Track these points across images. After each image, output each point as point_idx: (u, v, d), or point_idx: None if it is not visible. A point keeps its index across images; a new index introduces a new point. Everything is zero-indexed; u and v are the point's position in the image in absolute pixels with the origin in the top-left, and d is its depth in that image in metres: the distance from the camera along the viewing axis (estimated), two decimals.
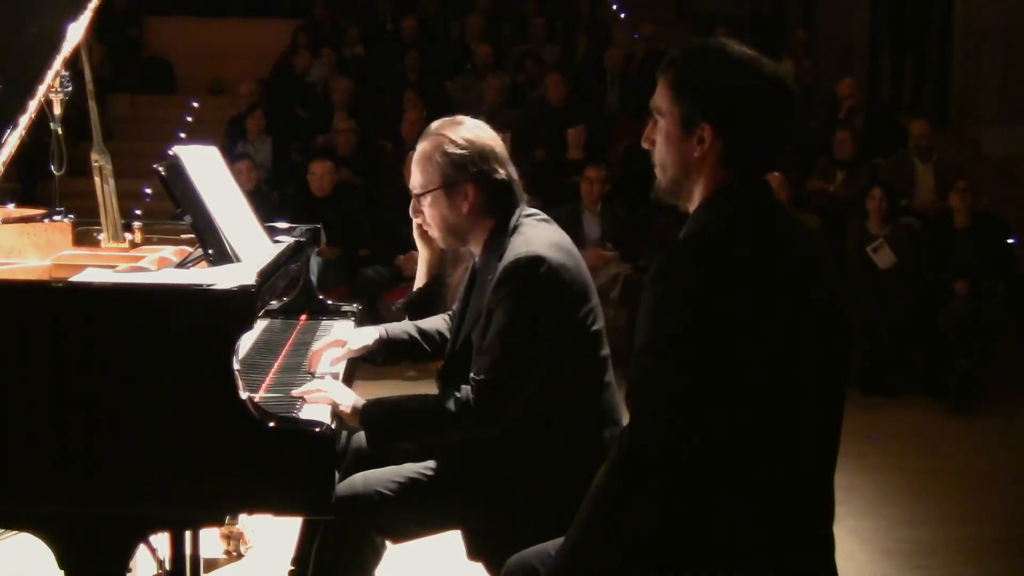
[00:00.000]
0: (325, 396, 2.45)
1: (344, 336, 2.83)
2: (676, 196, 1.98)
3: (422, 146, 2.58)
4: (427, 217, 2.60)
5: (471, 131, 2.56)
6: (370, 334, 2.83)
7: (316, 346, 2.80)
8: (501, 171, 2.55)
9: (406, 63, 9.95)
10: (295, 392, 2.48)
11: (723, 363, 1.76)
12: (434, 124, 2.61)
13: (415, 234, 2.79)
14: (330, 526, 2.50)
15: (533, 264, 2.39)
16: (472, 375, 2.40)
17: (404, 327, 2.86)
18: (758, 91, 1.88)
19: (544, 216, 2.58)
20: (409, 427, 2.48)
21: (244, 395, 2.16)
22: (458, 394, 2.39)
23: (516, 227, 2.51)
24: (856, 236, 6.88)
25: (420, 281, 2.90)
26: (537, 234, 2.49)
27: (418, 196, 2.58)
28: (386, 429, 2.47)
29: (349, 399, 2.46)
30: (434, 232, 2.62)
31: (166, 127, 9.92)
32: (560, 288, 2.41)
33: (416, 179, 2.58)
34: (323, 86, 9.74)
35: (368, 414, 2.45)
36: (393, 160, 7.51)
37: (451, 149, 2.52)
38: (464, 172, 2.51)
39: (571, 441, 2.45)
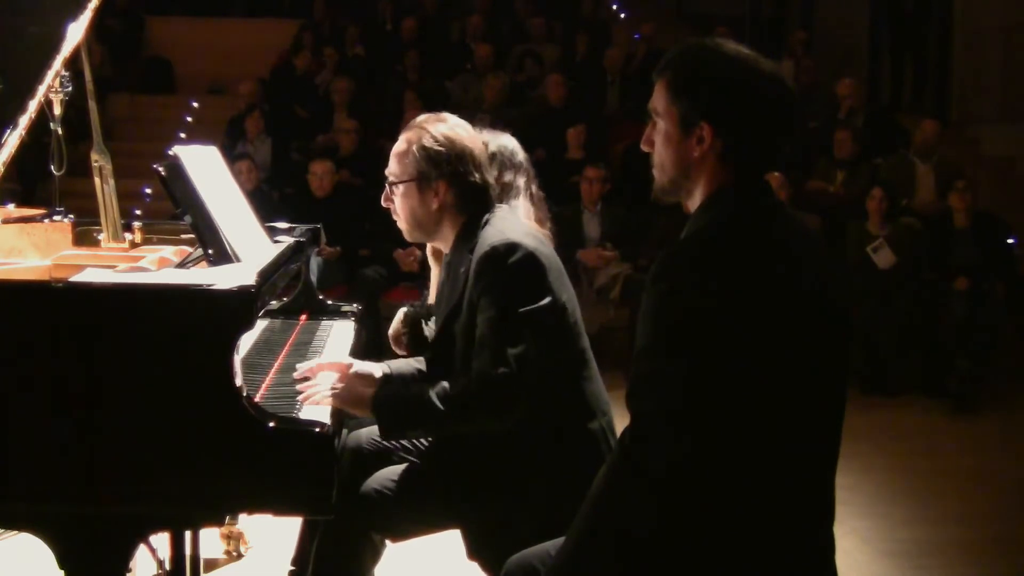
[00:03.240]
0: (331, 398, 2.44)
1: (348, 362, 2.78)
2: (676, 196, 1.98)
3: (403, 136, 2.59)
4: (396, 207, 2.61)
5: (452, 129, 2.57)
6: (373, 370, 2.75)
7: (321, 360, 2.72)
8: (476, 174, 2.55)
9: (406, 63, 9.96)
10: (302, 397, 2.45)
11: (724, 364, 1.76)
12: (419, 117, 2.62)
13: (428, 252, 2.80)
14: (329, 525, 2.50)
15: (509, 250, 2.40)
16: (476, 370, 2.39)
17: (410, 363, 2.80)
18: (756, 89, 1.88)
19: (509, 208, 2.61)
20: (421, 421, 2.44)
21: (244, 395, 2.16)
22: (470, 387, 2.37)
23: (487, 221, 2.52)
24: (856, 236, 6.87)
25: (433, 298, 2.92)
26: (508, 224, 2.51)
27: (391, 185, 2.59)
28: (399, 424, 2.45)
29: (358, 394, 2.45)
30: (401, 223, 2.63)
31: (166, 127, 9.92)
32: (539, 272, 2.42)
33: (392, 167, 2.59)
34: (324, 86, 9.75)
35: (377, 408, 2.43)
36: None
37: (428, 144, 2.53)
38: (437, 169, 2.52)
39: (558, 435, 2.46)
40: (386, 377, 2.69)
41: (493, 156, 2.94)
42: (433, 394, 2.39)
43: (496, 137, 3.02)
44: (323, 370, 2.58)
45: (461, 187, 2.53)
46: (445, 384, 2.40)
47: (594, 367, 2.55)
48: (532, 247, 2.42)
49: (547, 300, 2.41)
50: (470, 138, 2.58)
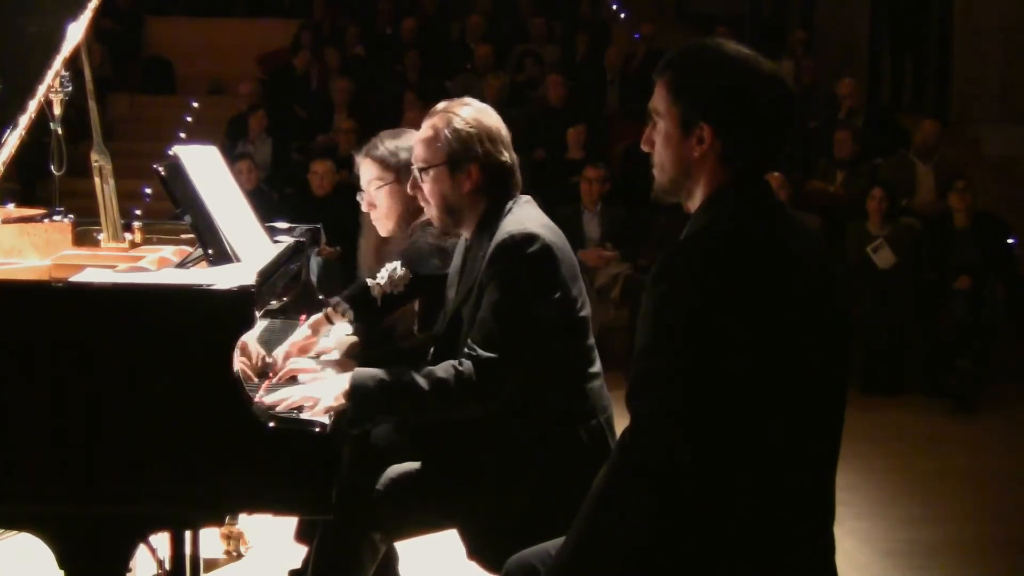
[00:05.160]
0: (305, 397, 2.38)
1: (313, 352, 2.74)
2: (677, 196, 1.99)
3: (430, 122, 2.58)
4: (426, 193, 2.59)
5: (479, 112, 2.58)
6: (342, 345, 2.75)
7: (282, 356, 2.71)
8: (505, 154, 2.57)
9: (406, 63, 9.96)
10: (273, 404, 2.35)
11: (724, 365, 1.76)
12: (440, 104, 2.62)
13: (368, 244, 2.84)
14: (329, 524, 2.50)
15: (526, 241, 2.41)
16: (467, 350, 2.40)
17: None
18: (756, 89, 1.88)
19: (529, 198, 2.60)
20: (401, 404, 2.41)
21: (244, 395, 2.16)
22: (458, 367, 2.38)
23: (509, 209, 2.53)
24: (856, 236, 6.87)
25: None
26: (528, 214, 2.52)
27: (421, 171, 2.57)
28: (375, 407, 2.40)
29: (333, 390, 2.39)
30: (431, 211, 2.61)
31: (166, 127, 9.92)
32: (552, 266, 2.43)
33: (419, 154, 2.58)
34: (323, 86, 9.75)
35: (357, 392, 2.38)
36: None
37: (459, 126, 2.53)
38: (470, 151, 2.52)
39: (559, 433, 2.46)
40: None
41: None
42: (416, 375, 2.38)
43: (409, 135, 3.01)
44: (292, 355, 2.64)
45: (491, 168, 2.54)
46: (428, 367, 2.40)
47: (598, 365, 2.56)
48: (549, 240, 2.44)
49: (557, 294, 2.43)
50: (495, 119, 2.59)
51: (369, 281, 2.79)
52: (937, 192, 7.47)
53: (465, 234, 2.64)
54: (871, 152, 8.02)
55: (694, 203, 1.95)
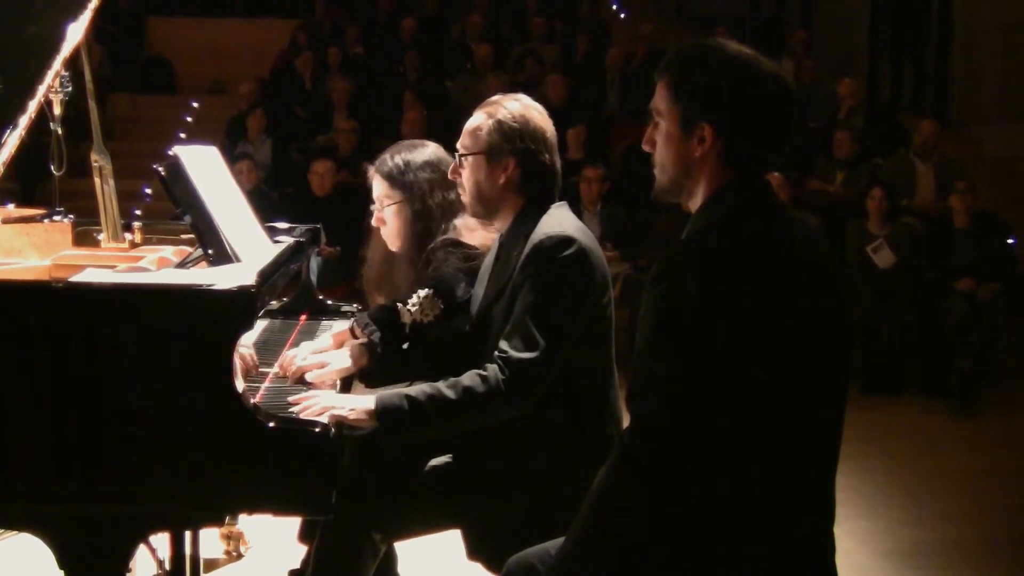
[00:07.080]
0: (325, 408, 2.35)
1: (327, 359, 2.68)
2: (677, 196, 1.99)
3: (479, 110, 2.61)
4: (463, 179, 2.61)
5: (527, 109, 2.59)
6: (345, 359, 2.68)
7: (299, 360, 2.67)
8: (546, 155, 2.57)
9: (406, 63, 9.97)
10: (294, 409, 2.37)
11: (724, 365, 1.76)
12: (495, 96, 2.65)
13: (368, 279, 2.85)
14: (329, 524, 2.50)
15: (563, 244, 2.41)
16: (498, 353, 2.39)
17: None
18: (756, 89, 1.88)
19: (564, 203, 2.60)
20: (431, 417, 2.38)
21: (244, 395, 2.16)
22: (483, 373, 2.37)
23: (547, 211, 2.53)
24: (856, 236, 6.88)
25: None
26: (566, 216, 2.53)
27: (461, 156, 2.60)
28: (406, 424, 2.38)
29: (357, 404, 2.39)
30: (465, 197, 2.63)
31: (166, 127, 9.93)
32: (587, 271, 2.44)
33: (463, 140, 2.61)
34: (323, 86, 9.76)
35: (385, 412, 2.37)
36: None
37: (504, 118, 2.55)
38: (509, 144, 2.54)
39: (570, 437, 2.45)
40: (371, 345, 2.65)
41: (435, 168, 2.91)
42: (443, 388, 2.37)
43: (423, 150, 2.98)
44: (305, 369, 2.60)
45: (529, 166, 2.55)
46: (452, 379, 2.39)
47: (616, 375, 2.56)
48: (586, 245, 2.44)
49: (589, 300, 2.43)
50: (543, 119, 2.60)
51: (399, 306, 2.71)
52: (937, 192, 7.48)
53: (499, 227, 2.64)
54: (871, 152, 8.03)
55: (695, 203, 1.95)
